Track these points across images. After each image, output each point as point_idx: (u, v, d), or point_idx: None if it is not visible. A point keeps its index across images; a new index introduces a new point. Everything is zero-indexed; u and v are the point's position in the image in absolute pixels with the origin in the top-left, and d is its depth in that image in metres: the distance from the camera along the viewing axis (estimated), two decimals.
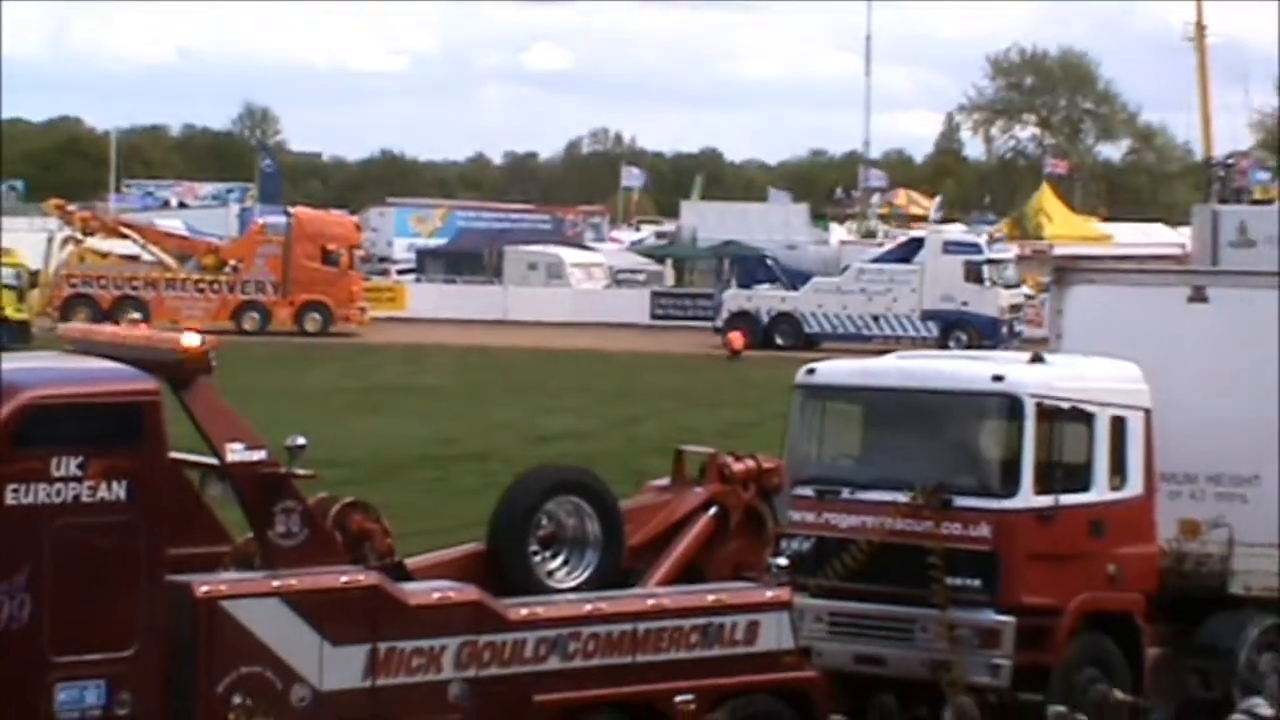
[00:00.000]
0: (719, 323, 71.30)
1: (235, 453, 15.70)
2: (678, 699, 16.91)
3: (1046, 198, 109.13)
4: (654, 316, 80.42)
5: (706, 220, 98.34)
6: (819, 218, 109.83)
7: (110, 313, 68.26)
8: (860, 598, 20.10)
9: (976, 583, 19.63)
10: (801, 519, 20.40)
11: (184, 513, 16.03)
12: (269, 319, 70.76)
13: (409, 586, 16.36)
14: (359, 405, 50.33)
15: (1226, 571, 21.56)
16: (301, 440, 16.17)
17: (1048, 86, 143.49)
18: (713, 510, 18.53)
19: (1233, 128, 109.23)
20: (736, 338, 63.90)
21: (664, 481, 19.13)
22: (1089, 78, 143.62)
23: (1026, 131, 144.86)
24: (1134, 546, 20.64)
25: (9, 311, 63.28)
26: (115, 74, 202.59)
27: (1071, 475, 20.17)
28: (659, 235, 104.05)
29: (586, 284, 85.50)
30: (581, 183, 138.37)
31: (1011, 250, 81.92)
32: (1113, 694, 19.18)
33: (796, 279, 76.63)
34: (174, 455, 15.84)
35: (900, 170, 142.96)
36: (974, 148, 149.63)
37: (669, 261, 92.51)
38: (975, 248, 77.99)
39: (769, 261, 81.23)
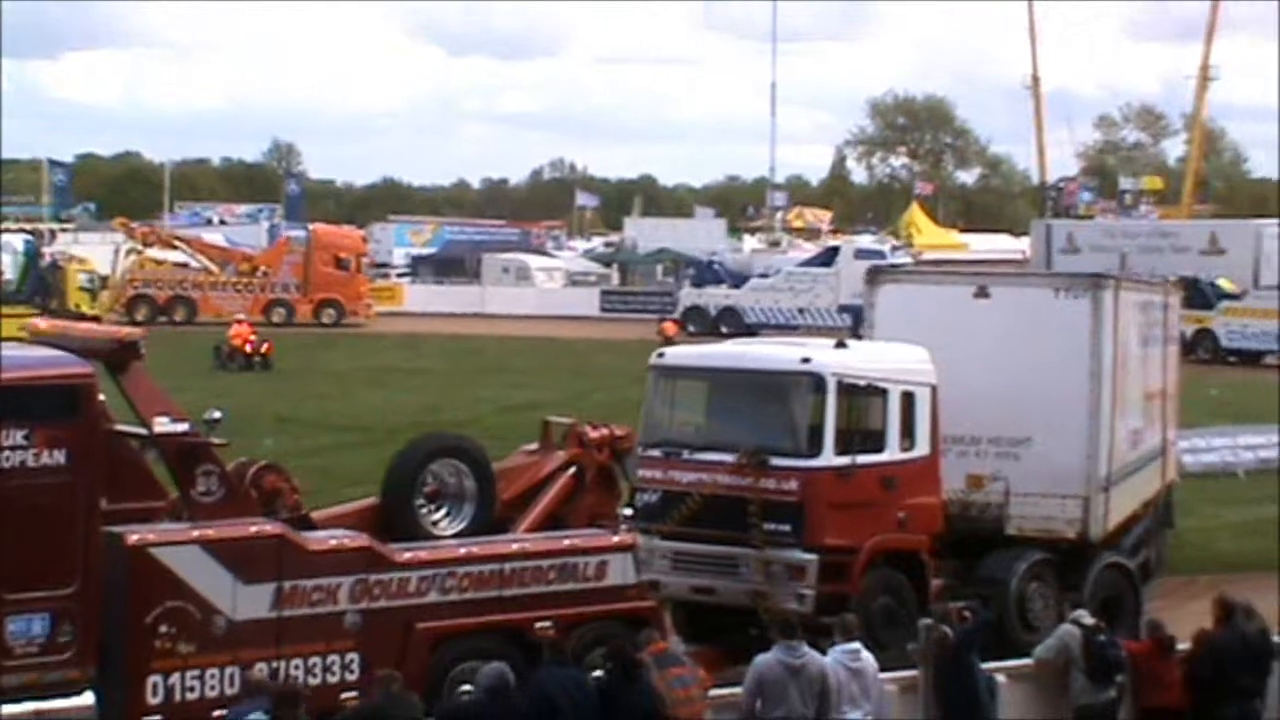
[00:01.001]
0: (677, 315, 69.71)
1: (162, 425, 15.43)
2: (538, 625, 16.68)
3: (916, 214, 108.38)
4: (603, 310, 78.90)
5: (644, 233, 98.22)
6: (734, 230, 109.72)
7: (165, 309, 68.23)
8: (696, 539, 19.92)
9: (787, 527, 19.52)
10: (651, 475, 20.22)
11: (125, 475, 15.61)
12: (293, 313, 69.44)
13: (311, 534, 16.02)
14: (368, 382, 49.74)
15: (1003, 516, 21.58)
16: (218, 414, 16.04)
17: (916, 125, 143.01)
18: (572, 470, 18.24)
19: (1062, 158, 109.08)
20: (670, 326, 62.40)
21: (533, 446, 18.80)
22: (948, 117, 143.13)
23: (899, 160, 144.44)
24: (921, 497, 20.55)
25: (84, 308, 62.10)
26: (169, 116, 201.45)
27: (868, 439, 20.07)
28: (606, 245, 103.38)
29: (548, 284, 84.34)
30: (544, 203, 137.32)
31: (911, 256, 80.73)
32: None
33: (738, 279, 75.31)
34: (116, 427, 15.61)
35: (799, 192, 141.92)
36: (858, 174, 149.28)
37: (615, 266, 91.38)
38: (880, 254, 77.40)
39: (716, 266, 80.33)
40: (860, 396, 20.01)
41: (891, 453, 20.25)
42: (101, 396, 15.22)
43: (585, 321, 73.89)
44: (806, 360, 20.08)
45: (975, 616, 17.12)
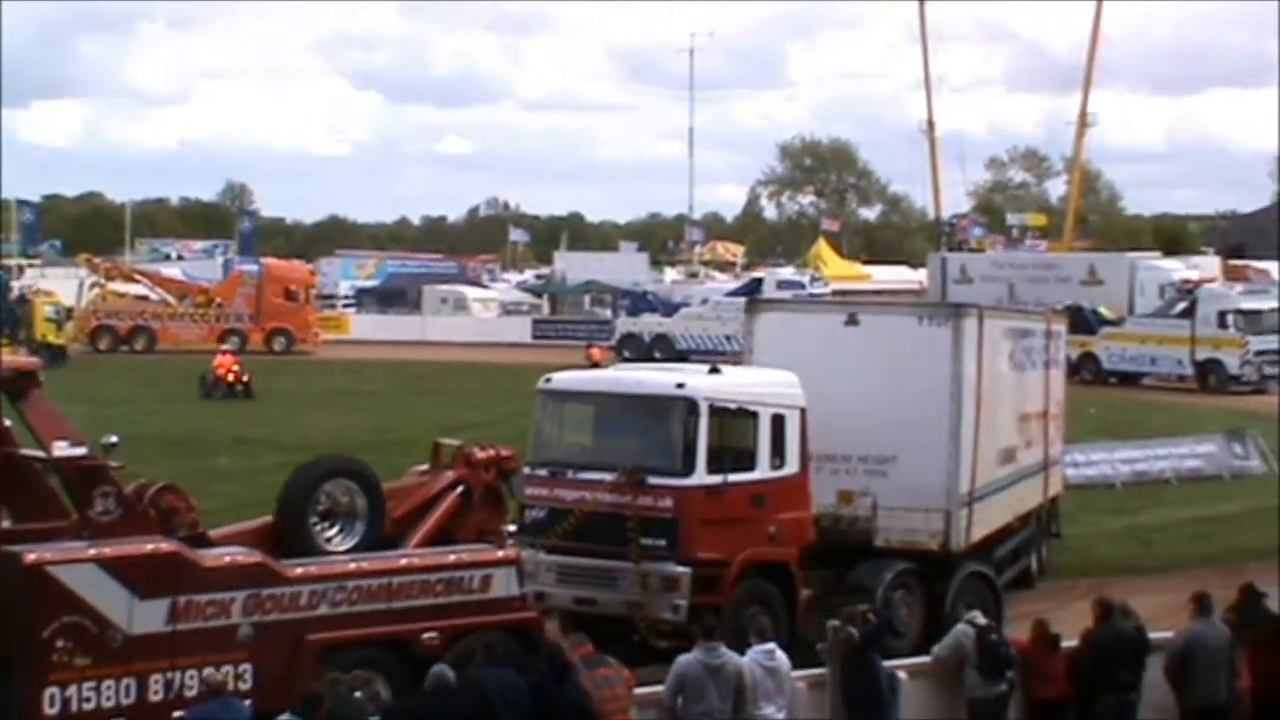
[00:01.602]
0: (613, 342, 69.35)
1: (61, 449, 15.13)
2: (424, 636, 16.43)
3: (823, 248, 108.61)
4: (535, 337, 78.29)
5: (573, 266, 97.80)
6: (656, 263, 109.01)
7: (127, 338, 67.79)
8: (579, 553, 19.81)
9: (663, 542, 19.41)
10: (538, 493, 20.09)
11: (28, 496, 15.37)
12: (246, 341, 68.43)
13: (206, 551, 15.71)
14: (317, 405, 49.37)
15: (872, 529, 21.59)
16: (114, 439, 15.75)
17: (822, 166, 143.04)
18: (460, 489, 17.95)
19: (955, 196, 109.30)
20: (596, 352, 62.13)
21: (424, 467, 18.49)
22: (852, 159, 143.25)
23: (807, 199, 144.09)
24: (791, 512, 20.45)
25: (51, 338, 61.28)
26: (130, 159, 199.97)
27: (739, 459, 19.96)
28: (538, 277, 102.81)
29: (484, 314, 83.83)
30: (480, 238, 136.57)
31: (829, 286, 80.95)
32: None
33: (670, 308, 74.97)
34: (22, 451, 15.36)
35: (715, 227, 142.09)
36: (769, 211, 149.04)
37: (545, 296, 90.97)
38: (801, 285, 77.67)
39: (650, 296, 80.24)
40: (732, 419, 19.92)
41: (762, 471, 20.13)
42: (8, 422, 15.05)
43: (519, 348, 73.53)
44: (681, 385, 19.93)
45: (878, 619, 17.25)
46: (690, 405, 19.60)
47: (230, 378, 50.27)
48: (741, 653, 15.45)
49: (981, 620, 17.54)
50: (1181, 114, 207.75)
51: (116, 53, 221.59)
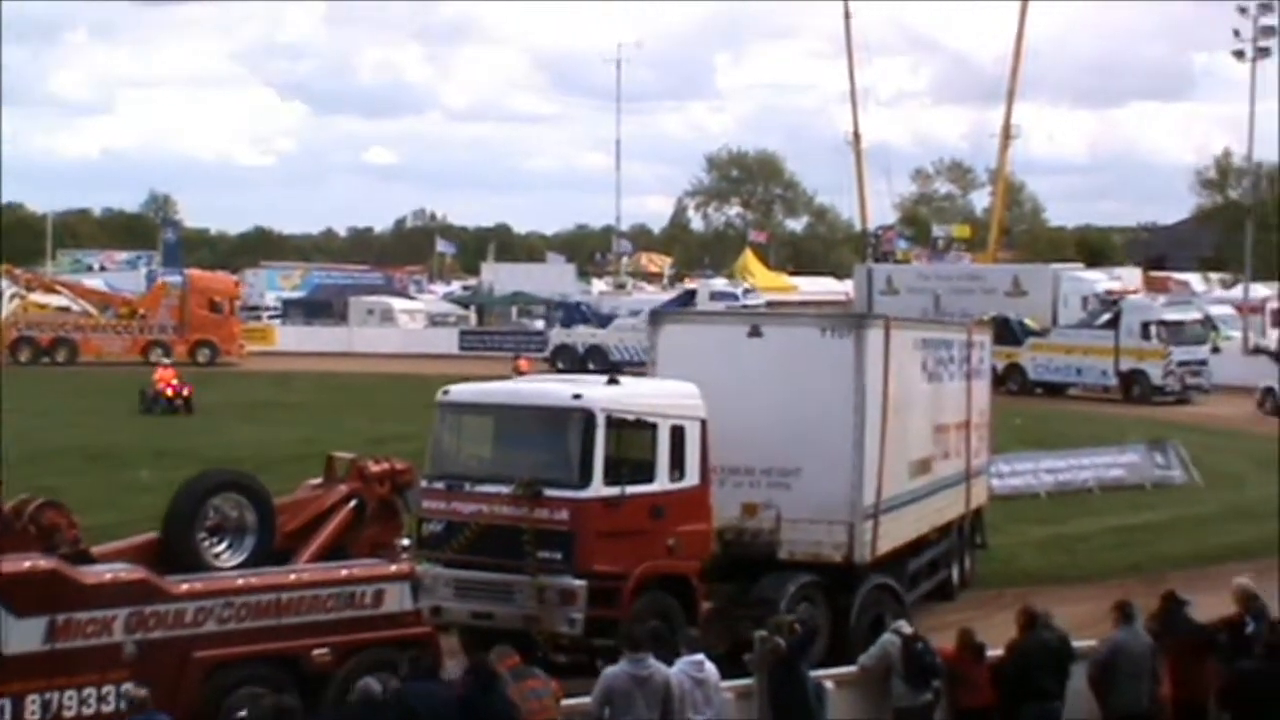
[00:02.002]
0: (547, 353, 69.32)
1: None
2: (315, 652, 16.15)
3: (750, 259, 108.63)
4: (461, 348, 78.10)
5: (500, 277, 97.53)
6: (583, 275, 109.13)
7: (48, 350, 67.29)
8: (476, 567, 19.41)
9: (559, 555, 19.07)
10: (435, 506, 19.71)
11: None
12: (170, 353, 67.39)
13: (87, 568, 15.29)
14: (242, 417, 48.81)
15: (776, 542, 21.29)
16: None
17: (749, 177, 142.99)
18: (353, 503, 17.65)
19: (881, 208, 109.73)
20: (523, 363, 61.85)
21: (318, 480, 18.20)
22: (778, 171, 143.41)
23: (734, 210, 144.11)
24: (691, 525, 20.13)
25: None
26: (52, 169, 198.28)
27: (638, 470, 19.62)
28: (465, 288, 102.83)
29: (411, 325, 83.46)
30: (406, 249, 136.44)
31: (762, 297, 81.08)
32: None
33: (604, 320, 74.80)
34: None
35: (643, 239, 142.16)
36: (696, 222, 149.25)
37: (472, 307, 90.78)
38: (734, 296, 77.74)
39: (584, 307, 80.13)
40: (630, 430, 19.60)
41: (661, 483, 19.82)
42: None
43: (446, 359, 73.05)
44: (578, 397, 19.59)
45: (805, 628, 17.27)
46: (587, 417, 19.30)
47: (170, 392, 49.87)
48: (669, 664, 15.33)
49: (907, 629, 17.49)
50: (1104, 127, 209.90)
51: (38, 61, 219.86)
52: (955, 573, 26.20)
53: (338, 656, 16.20)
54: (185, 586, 15.66)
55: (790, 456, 21.27)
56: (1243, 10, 68.70)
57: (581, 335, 71.57)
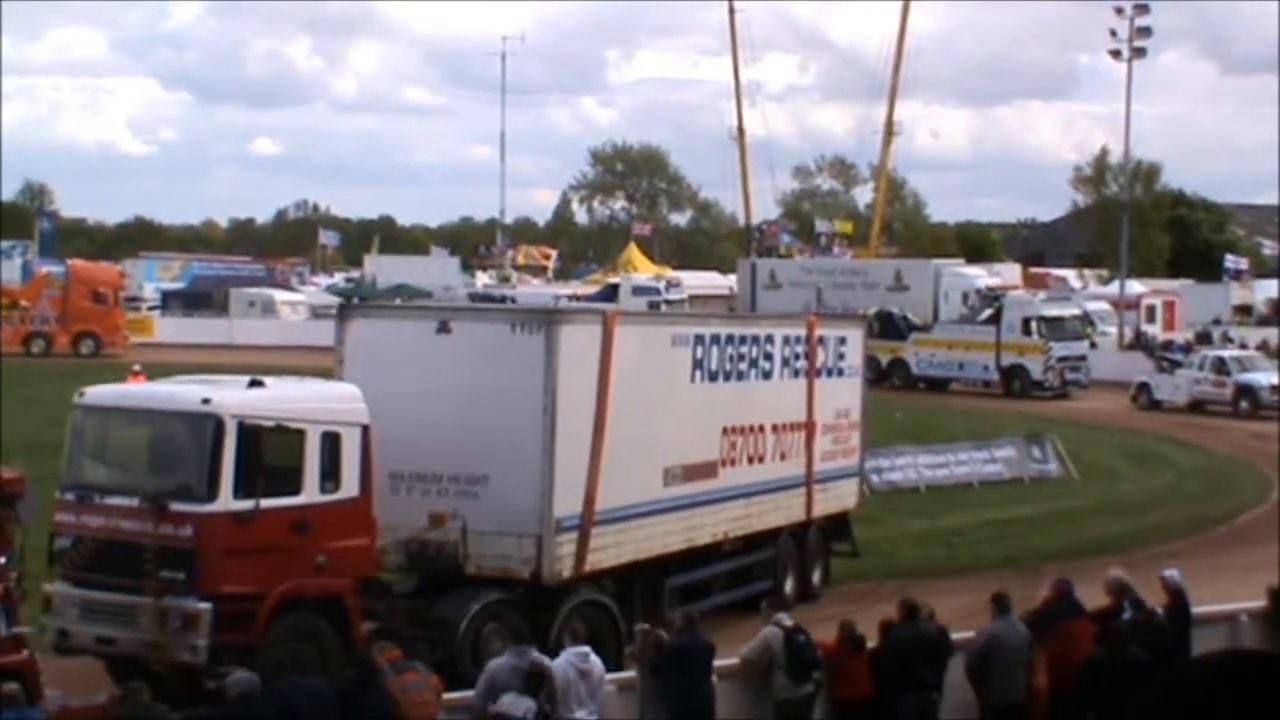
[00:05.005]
0: None
1: None
2: None
3: (634, 253, 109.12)
4: None
5: (384, 269, 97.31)
6: (467, 267, 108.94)
7: None
8: (104, 587, 17.92)
9: (182, 575, 17.50)
10: (66, 520, 18.34)
11: None
12: (52, 345, 67.35)
13: None
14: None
15: (462, 555, 19.77)
16: None
17: (633, 171, 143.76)
18: None
19: (765, 203, 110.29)
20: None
21: None
22: (663, 165, 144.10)
23: (618, 204, 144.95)
24: (347, 540, 18.48)
25: None
26: None
27: (280, 481, 18.02)
28: (348, 280, 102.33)
29: (292, 317, 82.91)
30: (289, 240, 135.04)
31: (685, 292, 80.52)
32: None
33: None
34: None
35: (528, 232, 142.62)
36: (581, 215, 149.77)
37: (355, 300, 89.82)
38: (656, 290, 77.52)
39: (508, 302, 79.57)
40: (271, 437, 18.02)
41: (309, 495, 18.23)
42: None
43: (328, 352, 72.48)
44: (206, 400, 17.93)
45: (691, 622, 17.20)
46: (216, 423, 17.71)
47: None
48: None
49: (789, 621, 17.45)
50: (985, 124, 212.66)
51: None
52: (789, 582, 24.85)
53: None
54: None
55: (478, 462, 19.76)
56: (1119, 11, 69.63)
57: None
